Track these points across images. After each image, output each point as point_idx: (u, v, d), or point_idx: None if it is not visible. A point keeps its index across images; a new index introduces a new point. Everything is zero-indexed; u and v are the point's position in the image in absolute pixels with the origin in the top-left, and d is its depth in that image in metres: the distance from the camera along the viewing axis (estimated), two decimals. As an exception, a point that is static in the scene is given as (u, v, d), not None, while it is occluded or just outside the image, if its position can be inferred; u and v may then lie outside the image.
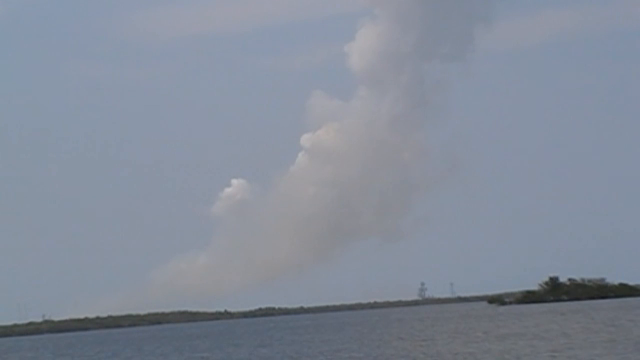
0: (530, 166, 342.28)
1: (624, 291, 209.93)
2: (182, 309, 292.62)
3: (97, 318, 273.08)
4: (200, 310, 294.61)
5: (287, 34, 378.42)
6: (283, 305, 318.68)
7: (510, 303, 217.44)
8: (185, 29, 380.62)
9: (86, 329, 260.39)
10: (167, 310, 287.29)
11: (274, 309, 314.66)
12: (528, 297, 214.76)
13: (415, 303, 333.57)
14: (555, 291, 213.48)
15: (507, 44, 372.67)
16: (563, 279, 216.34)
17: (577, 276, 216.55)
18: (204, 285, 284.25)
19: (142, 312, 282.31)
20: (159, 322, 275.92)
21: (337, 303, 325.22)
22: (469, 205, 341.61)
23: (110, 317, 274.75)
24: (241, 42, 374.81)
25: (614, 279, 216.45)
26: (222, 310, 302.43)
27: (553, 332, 77.20)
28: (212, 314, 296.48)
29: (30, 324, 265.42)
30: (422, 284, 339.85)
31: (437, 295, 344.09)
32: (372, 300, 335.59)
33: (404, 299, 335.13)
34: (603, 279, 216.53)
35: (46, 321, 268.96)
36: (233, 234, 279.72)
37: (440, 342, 73.21)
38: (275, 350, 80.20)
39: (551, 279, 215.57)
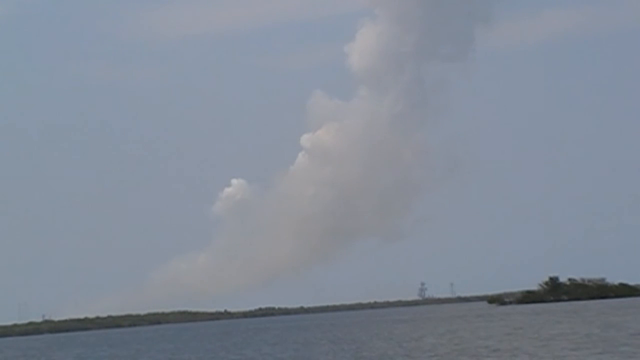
0: (530, 166, 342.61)
1: (624, 291, 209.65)
2: (182, 309, 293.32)
3: (97, 318, 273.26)
4: (200, 310, 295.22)
5: (287, 34, 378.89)
6: (283, 305, 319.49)
7: (510, 303, 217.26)
8: (185, 29, 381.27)
9: (86, 329, 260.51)
10: (167, 310, 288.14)
11: (274, 309, 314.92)
12: (528, 297, 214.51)
13: (415, 303, 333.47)
14: (555, 291, 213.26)
15: (507, 44, 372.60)
16: (563, 279, 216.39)
17: (577, 276, 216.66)
18: (204, 285, 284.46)
19: (142, 312, 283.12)
20: (159, 322, 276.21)
21: (337, 303, 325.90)
22: (469, 205, 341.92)
23: (110, 317, 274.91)
24: (241, 42, 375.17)
25: (614, 279, 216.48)
26: (222, 310, 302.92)
27: (541, 332, 77.25)
28: (212, 314, 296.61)
29: (30, 324, 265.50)
30: (422, 284, 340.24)
31: (437, 295, 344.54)
32: (372, 300, 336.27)
33: (404, 299, 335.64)
34: (603, 279, 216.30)
35: (46, 321, 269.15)
36: (233, 234, 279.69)
37: (428, 342, 73.18)
38: (263, 352, 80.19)
39: (551, 279, 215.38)
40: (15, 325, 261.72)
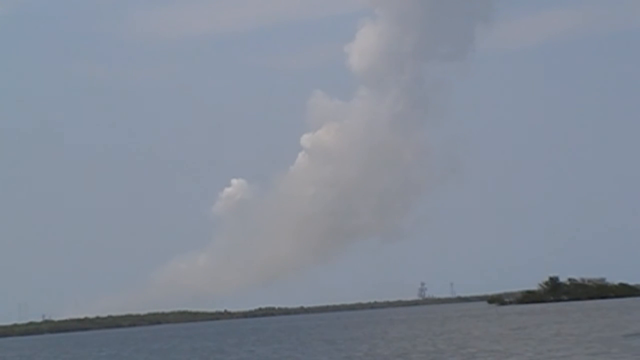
0: (530, 166, 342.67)
1: (624, 291, 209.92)
2: (182, 309, 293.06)
3: (97, 318, 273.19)
4: (200, 310, 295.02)
5: (287, 34, 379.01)
6: (283, 305, 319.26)
7: (510, 303, 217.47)
8: (185, 29, 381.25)
9: (86, 329, 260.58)
10: (167, 310, 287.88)
11: (274, 309, 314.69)
12: (528, 297, 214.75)
13: (415, 303, 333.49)
14: (555, 291, 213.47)
15: (507, 44, 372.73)
16: (563, 279, 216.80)
17: (577, 276, 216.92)
18: (204, 285, 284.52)
19: (142, 312, 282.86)
20: (159, 322, 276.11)
21: (337, 303, 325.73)
22: (469, 205, 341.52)
23: (110, 317, 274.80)
24: (241, 42, 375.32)
25: (614, 279, 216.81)
26: (222, 310, 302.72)
27: (537, 333, 77.33)
28: (212, 314, 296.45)
29: (30, 324, 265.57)
30: (422, 284, 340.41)
31: (437, 295, 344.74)
32: (372, 300, 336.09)
33: (404, 299, 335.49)
34: (603, 279, 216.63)
35: (46, 321, 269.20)
36: (233, 234, 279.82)
37: (422, 342, 73.21)
38: (258, 352, 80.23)
39: (551, 279, 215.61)
40: (15, 325, 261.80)
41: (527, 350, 57.83)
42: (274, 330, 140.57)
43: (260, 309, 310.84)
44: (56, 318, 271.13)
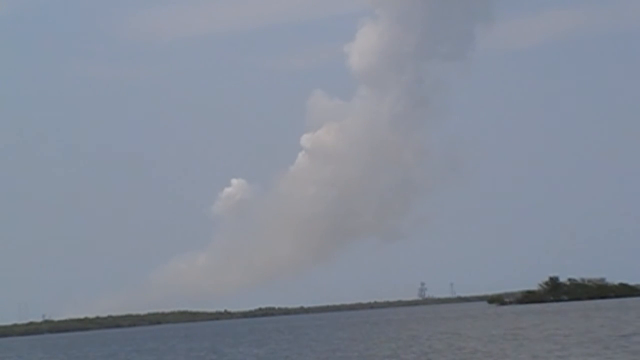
0: (530, 166, 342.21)
1: (624, 291, 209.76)
2: (182, 309, 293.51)
3: (97, 318, 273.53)
4: (200, 310, 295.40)
5: (287, 34, 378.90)
6: (283, 305, 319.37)
7: (510, 303, 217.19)
8: (185, 29, 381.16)
9: (86, 329, 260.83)
10: (167, 310, 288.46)
11: (274, 309, 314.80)
12: (528, 297, 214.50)
13: (415, 303, 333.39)
14: (555, 291, 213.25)
15: (507, 44, 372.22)
16: (563, 279, 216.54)
17: (577, 276, 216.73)
18: (204, 285, 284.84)
19: (142, 312, 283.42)
20: (159, 322, 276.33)
21: (337, 303, 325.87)
22: (469, 205, 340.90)
23: (110, 317, 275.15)
24: (241, 42, 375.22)
25: (614, 279, 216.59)
26: (222, 310, 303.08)
27: (533, 334, 77.24)
28: (212, 314, 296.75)
29: (30, 324, 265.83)
30: (422, 284, 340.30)
31: (437, 295, 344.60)
32: (372, 300, 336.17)
33: (404, 299, 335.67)
34: (603, 279, 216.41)
35: (46, 321, 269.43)
36: (233, 234, 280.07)
37: (416, 342, 73.16)
38: (251, 353, 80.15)
39: (551, 279, 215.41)
40: (15, 325, 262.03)
41: (523, 351, 57.73)
42: (272, 330, 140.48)
43: (260, 309, 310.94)
44: (56, 318, 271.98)
